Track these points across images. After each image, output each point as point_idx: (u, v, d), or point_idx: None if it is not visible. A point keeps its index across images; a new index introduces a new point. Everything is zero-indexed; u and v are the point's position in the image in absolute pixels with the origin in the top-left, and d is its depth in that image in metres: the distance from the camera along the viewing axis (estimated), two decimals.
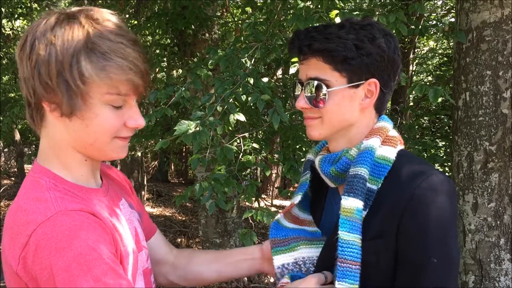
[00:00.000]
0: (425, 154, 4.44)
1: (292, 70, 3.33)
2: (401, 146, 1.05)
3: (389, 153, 1.01)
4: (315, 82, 1.01)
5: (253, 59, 3.06)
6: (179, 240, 6.44)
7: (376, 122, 1.07)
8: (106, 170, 1.10)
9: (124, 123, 0.90)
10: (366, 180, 0.97)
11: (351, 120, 1.04)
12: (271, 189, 10.25)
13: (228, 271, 1.20)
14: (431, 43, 9.09)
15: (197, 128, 2.45)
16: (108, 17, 0.87)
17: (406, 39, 6.38)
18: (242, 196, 2.83)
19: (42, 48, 0.82)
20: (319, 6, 2.74)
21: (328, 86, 1.00)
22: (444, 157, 5.12)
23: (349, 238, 0.94)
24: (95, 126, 0.87)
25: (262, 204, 4.08)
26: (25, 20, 9.53)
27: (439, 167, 5.35)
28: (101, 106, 0.86)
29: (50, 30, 0.83)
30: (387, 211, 0.95)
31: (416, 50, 8.18)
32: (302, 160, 3.44)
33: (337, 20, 2.69)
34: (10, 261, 0.82)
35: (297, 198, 1.11)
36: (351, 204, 0.95)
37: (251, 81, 2.73)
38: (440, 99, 3.09)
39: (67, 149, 0.91)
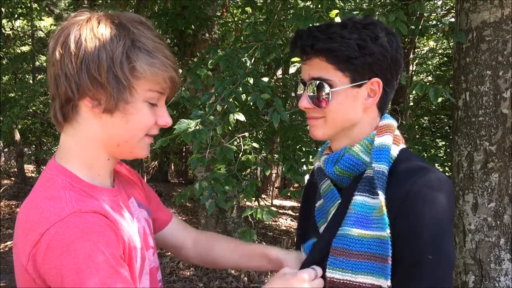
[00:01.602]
0: (425, 154, 4.43)
1: (292, 70, 3.33)
2: (402, 145, 1.06)
3: (393, 151, 1.01)
4: (318, 82, 1.00)
5: (253, 59, 3.06)
6: None
7: (380, 120, 1.07)
8: (116, 167, 1.12)
9: (155, 121, 0.95)
10: (386, 176, 0.97)
11: (355, 119, 1.03)
12: (271, 189, 10.25)
13: (242, 265, 1.27)
14: (431, 43, 9.09)
15: (197, 127, 2.45)
16: (143, 20, 0.93)
17: (406, 39, 6.38)
18: (242, 195, 2.83)
19: (90, 45, 0.86)
20: (319, 6, 2.74)
21: (331, 86, 0.99)
22: (444, 157, 5.12)
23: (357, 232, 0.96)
24: (134, 122, 0.92)
25: (262, 204, 4.07)
26: (25, 20, 9.54)
27: (439, 167, 5.35)
28: (141, 103, 0.91)
29: (96, 28, 0.88)
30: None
31: (416, 50, 8.18)
32: (302, 160, 3.44)
33: (337, 20, 2.70)
34: (21, 257, 0.83)
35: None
36: (384, 200, 0.94)
37: (251, 80, 2.73)
38: (440, 99, 3.09)
39: (95, 147, 0.94)
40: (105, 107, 0.89)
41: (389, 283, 0.92)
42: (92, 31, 0.87)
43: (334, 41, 0.96)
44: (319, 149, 1.22)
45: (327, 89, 1.00)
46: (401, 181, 0.95)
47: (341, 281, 0.96)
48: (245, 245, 1.26)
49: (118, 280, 0.82)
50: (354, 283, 0.95)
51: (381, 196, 0.94)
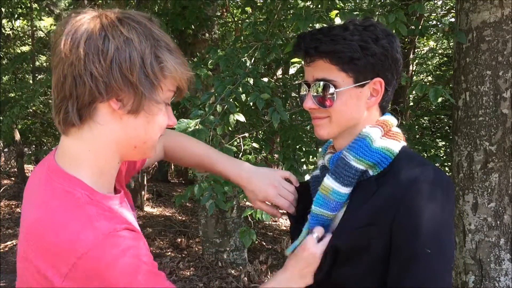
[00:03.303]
0: (425, 154, 4.44)
1: (292, 70, 3.34)
2: (404, 142, 1.09)
3: (394, 146, 1.05)
4: (323, 83, 1.04)
5: (253, 59, 3.06)
6: (179, 240, 6.44)
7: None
8: None
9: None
10: (351, 167, 1.03)
11: (358, 118, 1.07)
12: None
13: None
14: (431, 43, 9.09)
15: (197, 127, 2.45)
16: (153, 19, 0.92)
17: (406, 39, 6.38)
18: (242, 196, 2.83)
19: (120, 44, 0.83)
20: (319, 6, 2.74)
21: (335, 86, 1.03)
22: (444, 157, 5.13)
23: (317, 212, 1.06)
24: (156, 122, 0.91)
25: None
26: (25, 20, 9.54)
27: (439, 167, 5.34)
28: (162, 102, 0.90)
29: (120, 26, 0.85)
30: (383, 201, 0.99)
31: (416, 50, 8.17)
32: (302, 160, 3.45)
33: (337, 20, 2.69)
34: (51, 278, 0.80)
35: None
36: (329, 184, 1.05)
37: (251, 80, 2.73)
38: (440, 99, 3.09)
39: (110, 151, 0.91)
40: (131, 108, 0.86)
41: None
42: (118, 28, 0.84)
43: (337, 43, 1.00)
44: (321, 148, 1.26)
45: (331, 89, 1.03)
46: (401, 177, 0.99)
47: None
48: (209, 165, 1.28)
49: (163, 284, 0.88)
50: None
51: (325, 179, 1.06)
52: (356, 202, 1.04)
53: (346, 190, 1.04)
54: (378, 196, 1.00)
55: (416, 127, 5.08)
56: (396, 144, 1.05)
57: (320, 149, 1.26)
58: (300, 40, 1.05)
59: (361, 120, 1.07)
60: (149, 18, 0.90)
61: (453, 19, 4.48)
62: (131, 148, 0.92)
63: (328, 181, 1.05)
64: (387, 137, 1.06)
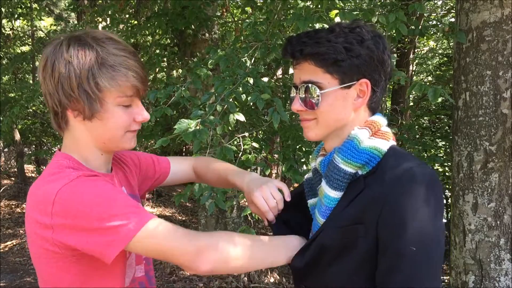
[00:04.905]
0: (425, 154, 4.44)
1: (292, 70, 3.33)
2: (393, 142, 1.09)
3: (382, 145, 1.04)
4: (309, 85, 1.05)
5: (253, 59, 3.06)
6: None
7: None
8: (121, 157, 1.34)
9: (133, 118, 1.12)
10: (340, 169, 1.04)
11: (345, 119, 1.07)
12: None
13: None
14: (431, 43, 9.09)
15: (197, 127, 2.45)
16: (109, 36, 1.09)
17: (406, 39, 6.39)
18: (242, 195, 2.83)
19: (62, 67, 1.03)
20: (319, 6, 2.74)
21: (321, 88, 1.04)
22: (444, 157, 5.13)
23: (317, 218, 1.09)
24: (112, 124, 1.08)
25: None
26: (25, 20, 9.54)
27: (439, 167, 5.36)
28: (114, 107, 1.07)
29: (66, 51, 1.04)
30: (369, 200, 0.99)
31: (416, 50, 8.18)
32: (302, 160, 3.45)
33: (337, 19, 2.69)
34: (40, 219, 1.00)
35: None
36: (323, 188, 1.08)
37: (251, 80, 2.73)
38: (440, 99, 3.10)
39: (87, 146, 1.12)
40: (84, 115, 1.06)
41: None
42: (63, 54, 1.04)
43: (321, 45, 1.01)
44: (315, 149, 1.26)
45: (317, 91, 1.04)
46: (387, 175, 0.99)
47: None
48: (225, 177, 1.40)
49: (132, 203, 1.01)
50: None
51: (322, 183, 1.08)
52: (343, 201, 1.04)
53: (335, 194, 1.05)
54: (365, 195, 1.01)
55: (416, 127, 5.07)
56: (384, 143, 1.05)
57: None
58: (287, 43, 1.07)
59: (349, 121, 1.07)
60: (99, 36, 1.07)
61: (453, 19, 4.48)
62: (102, 143, 1.12)
63: (323, 184, 1.08)
64: (376, 137, 1.06)
